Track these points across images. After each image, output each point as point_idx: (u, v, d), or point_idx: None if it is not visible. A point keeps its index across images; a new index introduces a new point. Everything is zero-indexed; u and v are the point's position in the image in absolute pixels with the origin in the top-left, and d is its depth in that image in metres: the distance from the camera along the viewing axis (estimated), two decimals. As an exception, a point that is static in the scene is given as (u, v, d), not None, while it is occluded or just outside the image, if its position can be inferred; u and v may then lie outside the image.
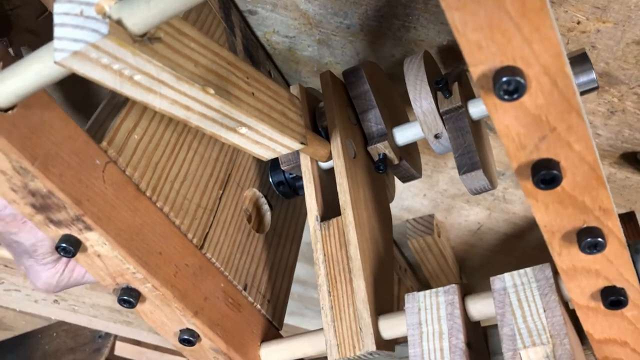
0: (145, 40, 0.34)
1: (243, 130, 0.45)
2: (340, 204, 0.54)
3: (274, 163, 0.65)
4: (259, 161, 0.64)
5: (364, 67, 0.61)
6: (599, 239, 0.36)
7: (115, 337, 1.11)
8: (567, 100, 0.31)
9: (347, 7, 0.68)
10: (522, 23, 0.28)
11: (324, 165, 0.57)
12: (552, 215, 0.36)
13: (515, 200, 0.86)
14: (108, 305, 1.05)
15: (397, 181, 0.88)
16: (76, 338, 1.17)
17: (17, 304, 1.06)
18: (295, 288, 1.08)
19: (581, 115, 0.31)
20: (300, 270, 1.03)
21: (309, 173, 0.56)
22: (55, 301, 1.06)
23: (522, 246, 0.96)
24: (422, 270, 0.95)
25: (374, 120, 0.60)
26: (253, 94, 0.44)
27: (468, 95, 0.61)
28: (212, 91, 0.39)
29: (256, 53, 0.72)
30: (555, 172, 0.33)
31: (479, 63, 0.30)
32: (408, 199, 0.90)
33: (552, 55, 0.29)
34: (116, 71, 0.35)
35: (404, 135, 0.61)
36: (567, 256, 0.38)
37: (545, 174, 0.33)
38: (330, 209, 0.57)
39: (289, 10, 0.69)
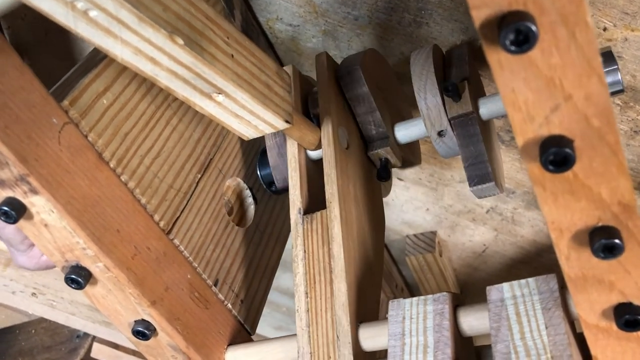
0: (101, -35, 0.30)
1: (220, 98, 0.40)
2: (327, 196, 0.48)
3: (263, 155, 0.61)
4: (246, 150, 0.59)
5: (362, 63, 0.55)
6: (616, 241, 0.30)
7: (94, 338, 1.06)
8: (588, 61, 0.26)
9: (357, -3, 0.64)
10: (538, -46, 0.23)
11: (313, 155, 0.52)
12: (561, 209, 0.31)
13: (525, 222, 0.80)
14: (87, 302, 1.00)
15: (398, 193, 0.82)
16: (54, 336, 1.12)
17: (-7, 294, 1.01)
18: (284, 301, 1.02)
19: (603, 81, 0.26)
20: (290, 281, 0.97)
21: (295, 161, 0.51)
22: (34, 294, 1.01)
23: (528, 273, 0.89)
24: (420, 291, 0.89)
25: (374, 123, 0.55)
26: (232, 56, 0.39)
27: (478, 93, 0.56)
28: (180, 41, 0.34)
29: (256, 40, 0.67)
30: (567, 150, 0.27)
31: (483, 5, 0.25)
32: (409, 212, 0.84)
33: (572, 0, 0.24)
34: (67, 2, 0.30)
35: (406, 133, 0.56)
36: (576, 261, 0.32)
37: (555, 152, 0.28)
38: (315, 204, 0.51)
39: (295, -4, 0.65)
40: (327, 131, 0.50)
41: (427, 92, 0.52)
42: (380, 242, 0.54)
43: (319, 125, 0.52)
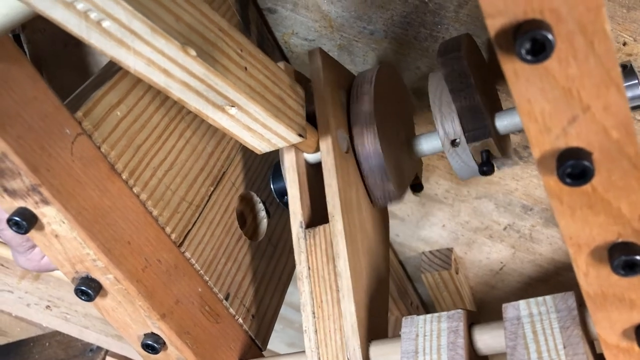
0: (113, -25, 0.30)
1: (232, 111, 0.40)
2: (329, 209, 0.47)
3: (276, 168, 0.60)
4: (259, 164, 0.59)
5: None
6: (637, 258, 0.29)
7: (106, 352, 1.06)
8: (606, 71, 0.25)
9: (372, 11, 0.64)
10: (554, -39, 0.22)
11: (311, 158, 0.50)
12: (579, 224, 0.30)
13: (543, 240, 0.79)
14: (100, 316, 1.00)
15: (414, 209, 0.82)
16: (68, 350, 1.11)
17: (8, 306, 1.02)
18: (297, 317, 1.01)
19: (622, 92, 0.25)
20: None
21: (293, 169, 0.49)
22: (48, 307, 1.01)
23: (547, 292, 0.87)
24: (435, 309, 0.87)
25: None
26: (246, 68, 0.39)
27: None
28: (193, 52, 0.34)
29: (272, 54, 0.68)
30: (585, 163, 0.27)
31: (498, 13, 0.24)
32: (425, 229, 0.83)
33: (590, 8, 0.23)
34: (81, 12, 0.31)
35: (426, 144, 0.55)
36: (595, 278, 0.31)
37: (573, 165, 0.27)
38: (319, 212, 0.50)
39: (310, 11, 0.65)
40: (326, 138, 0.48)
41: (442, 98, 0.51)
42: (386, 239, 0.53)
43: (314, 124, 0.50)
